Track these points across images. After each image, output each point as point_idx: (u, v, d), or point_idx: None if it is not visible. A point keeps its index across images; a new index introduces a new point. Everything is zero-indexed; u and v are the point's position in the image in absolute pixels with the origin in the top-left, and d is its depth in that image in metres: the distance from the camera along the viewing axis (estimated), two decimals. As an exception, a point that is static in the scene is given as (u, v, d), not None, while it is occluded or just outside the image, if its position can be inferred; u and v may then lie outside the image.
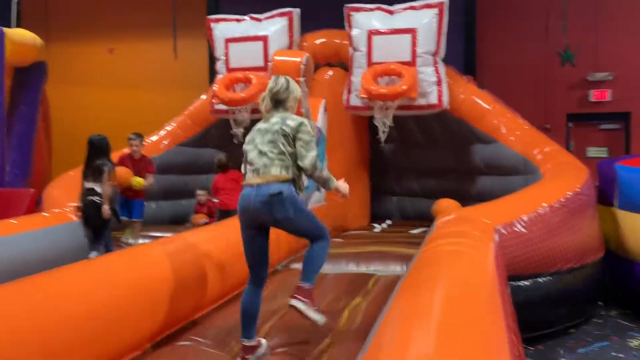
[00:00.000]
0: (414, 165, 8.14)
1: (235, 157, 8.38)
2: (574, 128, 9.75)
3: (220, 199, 6.78)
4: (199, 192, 7.51)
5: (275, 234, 5.03)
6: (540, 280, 4.68)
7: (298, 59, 5.22)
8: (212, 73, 11.01)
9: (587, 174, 5.65)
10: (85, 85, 11.53)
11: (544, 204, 4.78)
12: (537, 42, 9.75)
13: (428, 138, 7.93)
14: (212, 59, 11.01)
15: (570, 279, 4.88)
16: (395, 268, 4.94)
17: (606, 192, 5.99)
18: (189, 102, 8.83)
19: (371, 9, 7.05)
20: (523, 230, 4.55)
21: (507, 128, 7.01)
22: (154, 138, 7.96)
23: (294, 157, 3.04)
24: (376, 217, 8.12)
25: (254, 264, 3.11)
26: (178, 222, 8.06)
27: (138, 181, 6.10)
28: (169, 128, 8.08)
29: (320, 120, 6.81)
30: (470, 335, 1.81)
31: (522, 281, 4.59)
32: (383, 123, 6.63)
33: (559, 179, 5.44)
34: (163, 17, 10.42)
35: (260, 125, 3.15)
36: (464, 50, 9.92)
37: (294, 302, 2.97)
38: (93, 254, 4.86)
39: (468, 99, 7.20)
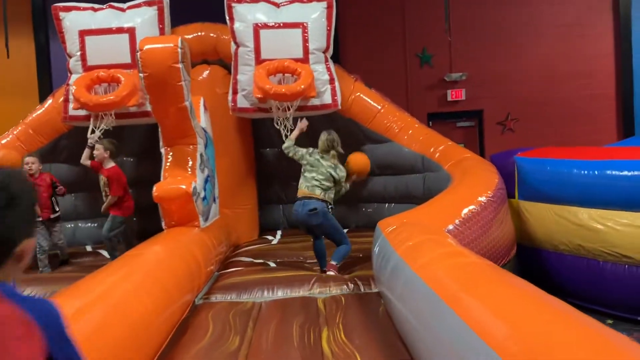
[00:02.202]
0: (300, 170, 7.62)
1: (89, 174, 7.16)
2: (434, 126, 10.12)
3: (128, 200, 5.68)
4: (28, 159, 5.73)
5: (195, 260, 4.19)
6: (483, 280, 4.50)
7: (171, 45, 4.36)
8: (42, 75, 9.40)
9: (495, 168, 5.70)
10: None
11: (479, 199, 4.63)
12: (396, 46, 9.96)
13: (314, 141, 7.46)
14: (41, 59, 9.41)
15: (504, 275, 4.80)
16: (336, 289, 4.37)
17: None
18: (16, 109, 7.24)
19: (255, 0, 6.39)
20: (467, 230, 4.34)
21: (398, 127, 6.88)
22: (-14, 154, 6.30)
23: (332, 189, 5.10)
24: (265, 228, 7.46)
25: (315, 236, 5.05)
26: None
27: None
28: (4, 141, 6.47)
29: (204, 119, 5.96)
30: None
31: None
32: (285, 126, 6.02)
33: (477, 175, 5.38)
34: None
35: (319, 157, 5.27)
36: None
37: (329, 273, 4.77)
38: None
39: (358, 99, 6.92)
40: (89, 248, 6.88)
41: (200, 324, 3.57)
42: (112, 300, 2.77)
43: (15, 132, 6.55)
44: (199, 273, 4.07)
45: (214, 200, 5.60)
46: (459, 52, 9.88)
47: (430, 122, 10.13)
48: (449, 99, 9.99)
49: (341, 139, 7.29)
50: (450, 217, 4.36)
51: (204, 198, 5.01)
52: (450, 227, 4.18)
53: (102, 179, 5.73)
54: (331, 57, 9.60)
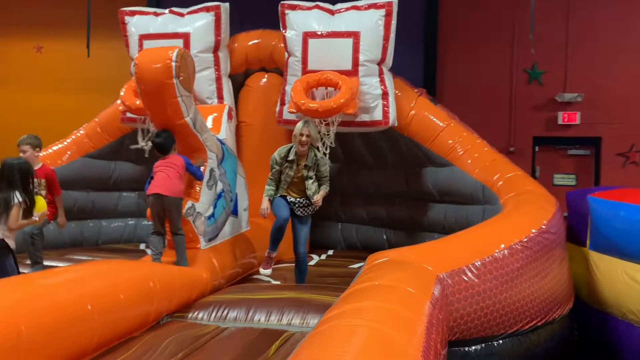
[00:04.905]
0: (361, 188, 7.10)
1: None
2: (540, 152, 8.90)
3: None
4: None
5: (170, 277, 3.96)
6: (495, 344, 3.66)
7: (165, 59, 4.13)
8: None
9: (555, 207, 4.69)
10: (12, 87, 10.22)
11: (501, 245, 3.79)
12: (502, 58, 8.92)
13: (377, 158, 6.91)
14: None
15: (533, 341, 3.89)
16: (314, 322, 3.84)
17: (576, 229, 5.06)
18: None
19: (309, 7, 6.04)
20: (475, 279, 3.55)
21: (463, 149, 6.04)
22: (56, 147, 6.77)
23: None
24: (319, 246, 7.07)
25: None
26: (81, 245, 6.90)
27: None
28: (74, 136, 6.90)
29: (224, 131, 5.71)
30: None
31: (472, 346, 3.57)
32: (323, 142, 5.59)
33: (520, 213, 4.46)
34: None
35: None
36: (423, 65, 9.07)
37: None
38: None
39: (419, 116, 6.20)
40: (142, 246, 7.04)
41: (140, 344, 3.31)
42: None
43: (84, 129, 6.94)
44: (166, 290, 3.78)
45: (234, 214, 5.32)
46: (575, 70, 8.56)
47: (537, 147, 8.92)
48: (560, 122, 8.69)
49: (402, 159, 6.70)
50: (460, 260, 3.62)
51: (210, 216, 4.75)
52: (446, 274, 3.44)
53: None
54: (426, 66, 8.98)
